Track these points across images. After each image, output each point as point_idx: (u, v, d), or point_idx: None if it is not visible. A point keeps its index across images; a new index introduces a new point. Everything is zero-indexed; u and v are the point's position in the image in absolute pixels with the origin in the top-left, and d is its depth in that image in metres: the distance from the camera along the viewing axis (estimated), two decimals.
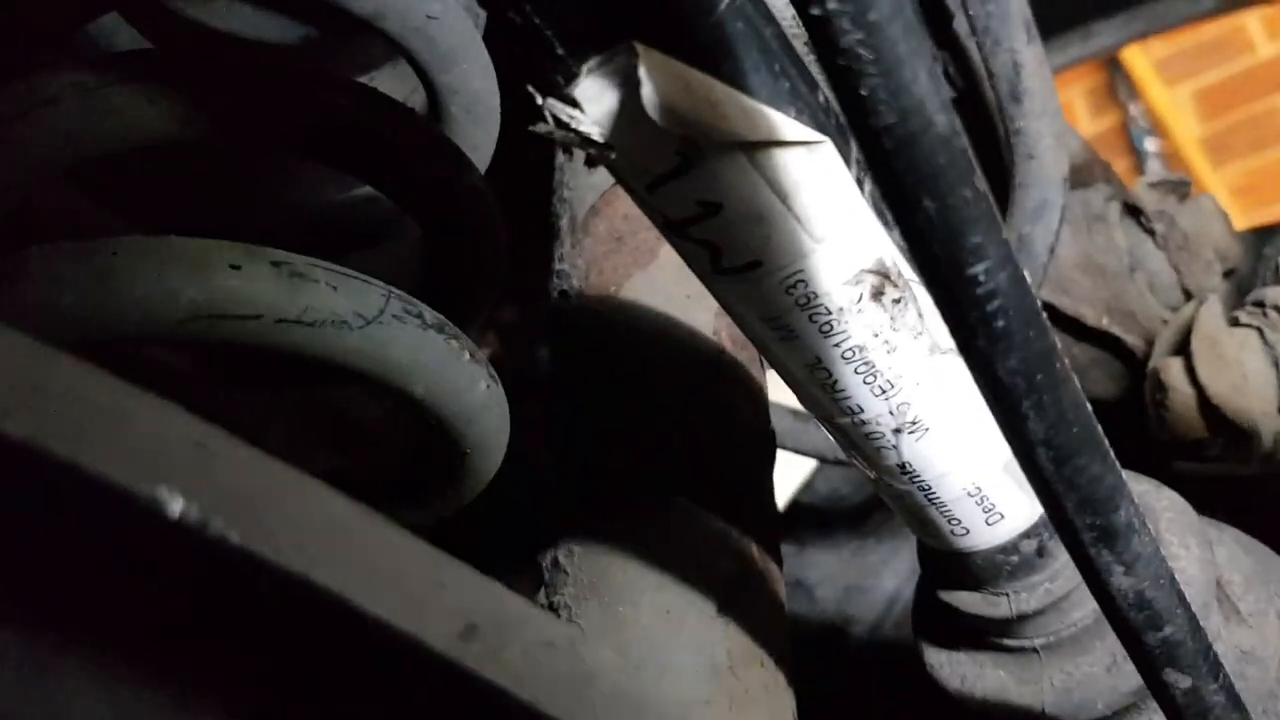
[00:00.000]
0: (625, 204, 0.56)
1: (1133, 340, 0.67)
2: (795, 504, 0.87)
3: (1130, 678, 0.44)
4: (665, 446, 0.50)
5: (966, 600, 0.45)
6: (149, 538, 0.20)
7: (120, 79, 0.37)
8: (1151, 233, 0.68)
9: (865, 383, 0.37)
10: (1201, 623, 0.35)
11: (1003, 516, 0.41)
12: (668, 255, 0.55)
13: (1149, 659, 0.33)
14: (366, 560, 0.20)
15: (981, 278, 0.27)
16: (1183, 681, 0.34)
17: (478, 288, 0.48)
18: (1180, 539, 0.46)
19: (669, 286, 0.53)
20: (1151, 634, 0.33)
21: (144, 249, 0.33)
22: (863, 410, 0.37)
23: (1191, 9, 1.25)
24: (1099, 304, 0.68)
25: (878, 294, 0.35)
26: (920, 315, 0.36)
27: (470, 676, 0.21)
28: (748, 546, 0.48)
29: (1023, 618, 0.44)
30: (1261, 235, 0.71)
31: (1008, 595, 0.44)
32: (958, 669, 0.47)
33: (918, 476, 0.39)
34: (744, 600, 0.46)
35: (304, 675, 0.22)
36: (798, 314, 0.35)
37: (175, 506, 0.19)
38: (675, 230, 0.34)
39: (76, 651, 0.21)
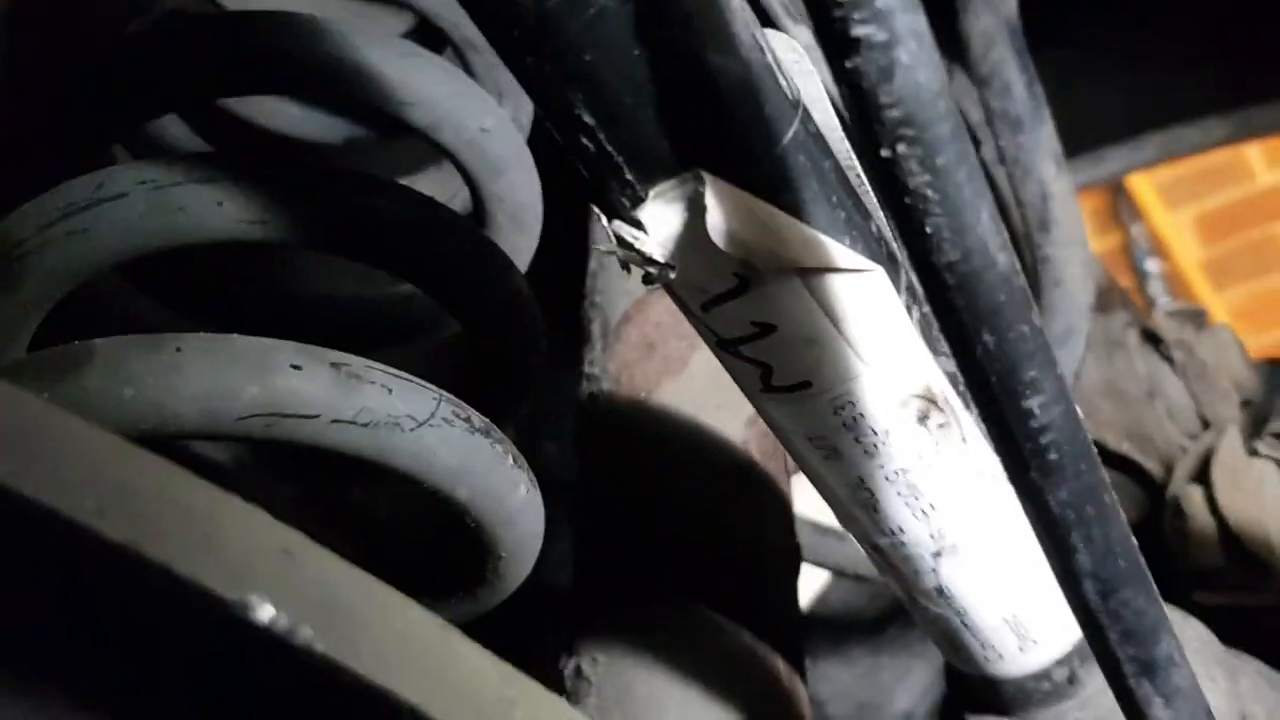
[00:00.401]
0: (657, 311, 0.57)
1: (1151, 465, 0.68)
2: (809, 617, 0.86)
3: None
4: (692, 555, 0.50)
5: None
6: (236, 643, 0.20)
7: (189, 178, 0.38)
8: (1170, 360, 0.69)
9: (907, 505, 0.37)
10: None
11: (1037, 643, 0.41)
12: (699, 364, 0.56)
13: None
14: (444, 675, 0.21)
15: (1037, 411, 0.28)
16: None
17: (514, 387, 0.49)
18: (1206, 670, 0.46)
19: (700, 395, 0.54)
20: None
21: (208, 346, 0.34)
22: (903, 532, 0.38)
23: (1201, 138, 1.28)
24: (1119, 429, 0.68)
25: (924, 418, 0.36)
26: (964, 440, 0.37)
27: None
28: (774, 663, 0.47)
29: None
30: (1277, 367, 0.72)
31: None
32: None
33: (955, 601, 0.40)
34: (768, 715, 0.45)
35: None
36: (844, 434, 0.35)
37: (265, 613, 0.19)
38: (727, 348, 0.35)
39: None
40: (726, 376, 0.57)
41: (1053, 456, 0.28)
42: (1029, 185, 0.59)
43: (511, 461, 0.40)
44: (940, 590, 0.39)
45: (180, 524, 0.20)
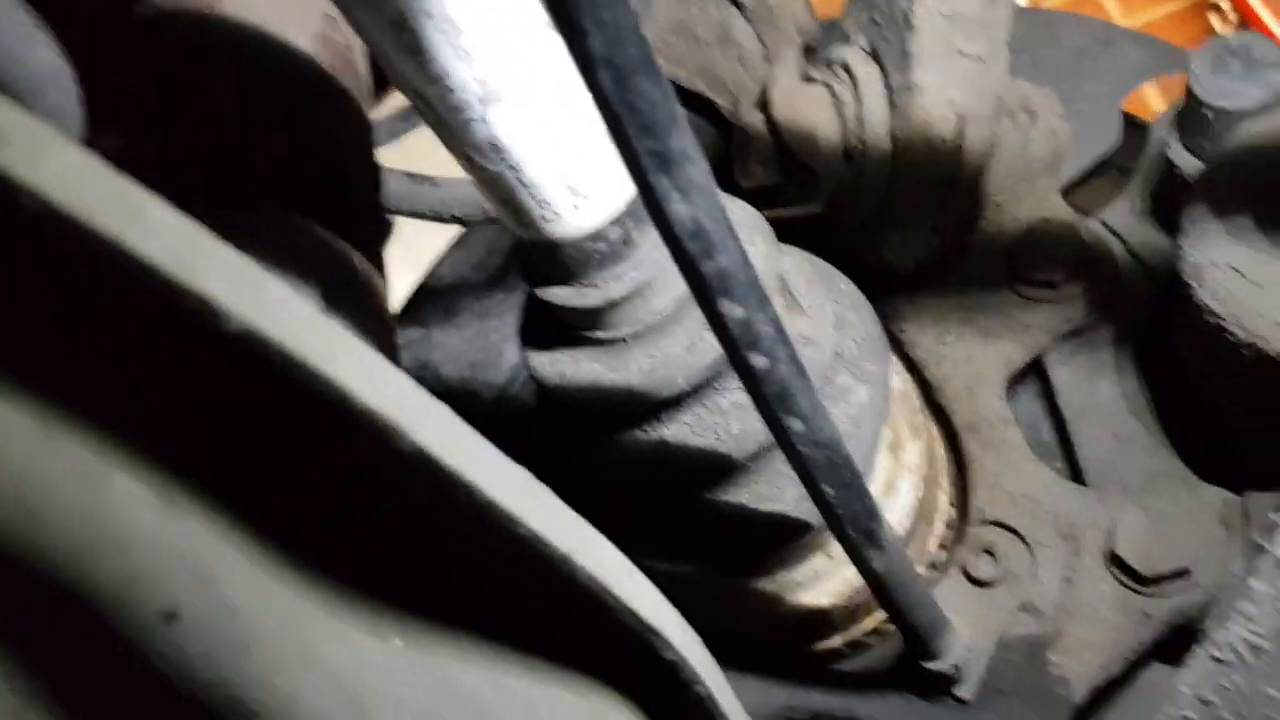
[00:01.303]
0: None
1: (723, 104, 0.73)
2: (420, 290, 0.88)
3: (706, 355, 0.49)
4: (269, 162, 0.49)
5: (561, 295, 0.47)
6: None
7: None
8: (740, 7, 0.73)
9: (450, 44, 0.37)
10: None
11: (590, 200, 0.44)
12: None
13: (706, 289, 0.37)
14: None
15: None
16: (735, 311, 0.37)
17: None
18: (748, 237, 0.51)
19: (263, 9, 0.52)
20: (707, 263, 0.36)
21: None
22: (448, 76, 0.38)
23: None
24: (693, 68, 0.72)
25: None
26: None
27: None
28: (352, 258, 0.48)
29: (612, 306, 0.47)
30: (835, 21, 0.78)
31: (597, 286, 0.47)
32: (557, 366, 0.50)
33: (508, 155, 0.41)
34: (347, 303, 0.46)
35: None
36: None
37: None
38: None
39: None
40: None
41: None
42: None
43: (29, 21, 0.36)
44: (492, 143, 0.40)
45: None
